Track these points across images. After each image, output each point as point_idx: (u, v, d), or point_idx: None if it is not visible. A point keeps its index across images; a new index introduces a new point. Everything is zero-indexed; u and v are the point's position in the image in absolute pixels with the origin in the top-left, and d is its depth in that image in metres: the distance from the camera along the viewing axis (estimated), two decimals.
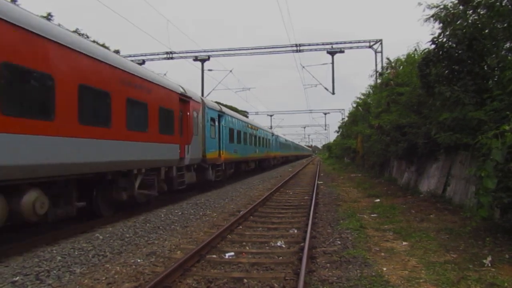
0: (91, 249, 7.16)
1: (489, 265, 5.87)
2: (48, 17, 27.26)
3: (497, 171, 6.93)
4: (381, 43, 27.76)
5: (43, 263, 6.26)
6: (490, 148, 7.10)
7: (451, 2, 10.84)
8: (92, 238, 7.96)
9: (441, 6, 11.05)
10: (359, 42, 28.53)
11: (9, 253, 6.78)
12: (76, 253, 6.88)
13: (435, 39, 10.85)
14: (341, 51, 27.78)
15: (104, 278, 5.64)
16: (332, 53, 27.87)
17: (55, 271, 5.90)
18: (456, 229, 8.23)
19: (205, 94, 30.83)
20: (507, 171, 6.85)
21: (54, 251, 6.92)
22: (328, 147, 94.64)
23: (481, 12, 10.12)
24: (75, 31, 28.36)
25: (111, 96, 9.30)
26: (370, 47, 28.10)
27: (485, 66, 10.59)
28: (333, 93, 29.50)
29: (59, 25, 21.30)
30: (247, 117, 37.35)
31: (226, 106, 25.85)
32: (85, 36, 29.18)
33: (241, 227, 9.20)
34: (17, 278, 5.56)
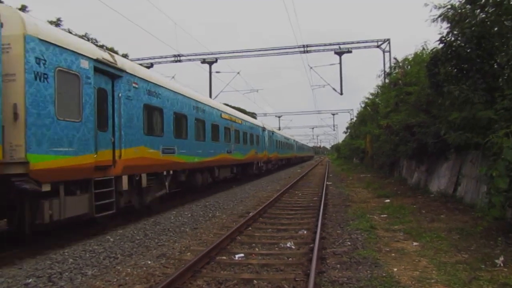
0: (102, 251, 7.23)
1: (502, 265, 5.81)
2: (58, 22, 27.59)
3: (509, 170, 6.85)
4: (389, 43, 27.61)
5: (55, 265, 6.34)
6: (501, 147, 7.04)
7: (458, 1, 10.76)
8: (103, 241, 8.04)
9: (448, 6, 10.97)
10: (366, 42, 28.39)
11: (22, 255, 6.87)
12: (88, 255, 6.96)
13: (443, 38, 10.78)
14: (349, 51, 27.66)
15: (115, 280, 5.70)
16: (339, 53, 27.76)
17: (67, 273, 5.97)
18: (467, 229, 8.16)
19: (213, 96, 30.94)
20: None
21: (66, 254, 7.00)
22: (336, 147, 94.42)
23: (489, 11, 10.02)
24: (84, 36, 28.66)
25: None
26: (378, 46, 27.96)
27: (495, 64, 10.49)
28: (341, 94, 29.39)
29: (68, 30, 21.50)
30: (255, 118, 36.18)
31: (234, 107, 25.90)
32: (94, 41, 29.48)
33: (250, 228, 9.22)
34: (30, 280, 5.64)
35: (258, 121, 29.21)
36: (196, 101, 14.59)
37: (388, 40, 27.71)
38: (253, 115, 40.72)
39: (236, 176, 21.77)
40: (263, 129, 28.87)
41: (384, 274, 5.59)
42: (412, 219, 9.77)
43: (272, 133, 32.74)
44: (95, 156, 8.27)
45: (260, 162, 27.21)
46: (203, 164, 15.05)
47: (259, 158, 26.73)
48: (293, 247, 7.41)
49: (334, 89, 30.17)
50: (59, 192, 7.30)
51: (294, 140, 51.03)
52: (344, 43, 27.91)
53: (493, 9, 9.92)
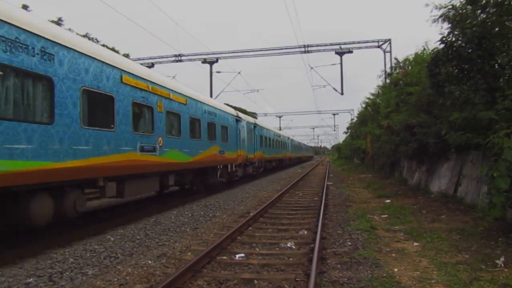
0: (102, 250, 7.24)
1: (502, 265, 5.80)
2: (59, 21, 27.61)
3: (510, 171, 6.85)
4: (389, 43, 27.63)
5: (56, 264, 6.35)
6: (502, 147, 7.03)
7: (459, 1, 10.76)
8: (103, 240, 8.05)
9: (449, 7, 10.97)
10: (367, 42, 28.41)
11: (23, 255, 6.87)
12: (88, 254, 6.96)
13: (444, 39, 10.78)
14: (350, 52, 27.66)
15: (116, 279, 5.70)
16: (340, 53, 27.77)
17: (67, 273, 5.97)
18: (468, 229, 8.15)
19: (213, 96, 30.92)
20: None
21: (67, 253, 7.01)
22: (337, 147, 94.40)
23: (490, 11, 10.02)
24: (85, 35, 28.68)
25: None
26: (378, 47, 27.96)
27: (496, 64, 10.48)
28: (342, 94, 29.41)
29: (69, 29, 21.51)
30: (256, 118, 35.47)
31: (234, 107, 25.66)
32: (95, 40, 29.50)
33: (251, 228, 9.22)
34: (31, 279, 5.64)
35: (228, 107, 20.50)
36: (16, 28, 6.54)
37: (389, 40, 27.74)
38: (253, 115, 40.61)
39: (192, 188, 15.44)
40: (238, 119, 20.99)
41: (384, 275, 5.59)
42: (412, 219, 9.77)
43: (254, 127, 25.32)
44: None
45: (233, 165, 19.58)
46: (45, 177, 7.10)
47: (229, 159, 18.77)
48: (293, 247, 7.41)
49: (334, 89, 30.18)
50: None
51: (288, 138, 48.38)
52: (345, 43, 27.92)
53: (494, 9, 9.91)
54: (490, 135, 7.67)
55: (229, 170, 18.91)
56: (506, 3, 9.45)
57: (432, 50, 12.75)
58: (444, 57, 10.85)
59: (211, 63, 30.35)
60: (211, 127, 16.16)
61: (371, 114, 29.22)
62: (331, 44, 28.16)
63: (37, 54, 7.02)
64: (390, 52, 27.29)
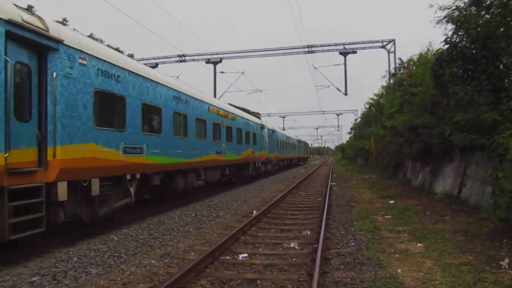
0: (106, 250, 7.26)
1: (507, 267, 5.78)
2: (64, 22, 27.74)
3: None
4: (394, 43, 27.52)
5: (60, 264, 6.38)
6: (507, 148, 7.00)
7: (463, 2, 10.70)
8: (107, 240, 8.07)
9: (453, 8, 10.91)
10: (371, 42, 28.30)
11: (27, 254, 6.92)
12: (92, 254, 6.99)
13: (448, 39, 10.74)
14: (354, 52, 27.58)
15: (119, 278, 5.72)
16: (344, 53, 27.69)
17: (71, 272, 6.00)
18: (472, 230, 8.12)
19: (217, 96, 30.94)
20: None
21: (71, 252, 7.04)
22: (341, 148, 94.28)
23: (495, 12, 9.96)
24: (90, 36, 28.79)
25: None
26: (383, 47, 27.87)
27: (500, 65, 10.42)
28: (346, 94, 29.37)
29: (74, 29, 21.61)
30: (259, 118, 35.37)
31: (238, 107, 25.68)
32: (100, 41, 29.61)
33: (254, 228, 9.22)
34: (35, 278, 5.67)
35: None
36: None
37: (393, 40, 27.63)
38: (257, 115, 40.55)
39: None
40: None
41: (388, 275, 5.58)
42: (416, 220, 9.74)
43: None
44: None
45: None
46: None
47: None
48: (296, 247, 7.41)
49: (338, 89, 30.17)
50: None
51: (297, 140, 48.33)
52: (349, 43, 27.84)
53: (498, 10, 9.85)
54: (495, 136, 7.63)
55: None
56: (510, 3, 9.39)
57: (436, 50, 12.71)
58: (448, 58, 10.80)
59: (215, 63, 30.36)
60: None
61: (375, 114, 29.13)
62: (335, 44, 28.11)
63: None
64: (394, 52, 27.18)
